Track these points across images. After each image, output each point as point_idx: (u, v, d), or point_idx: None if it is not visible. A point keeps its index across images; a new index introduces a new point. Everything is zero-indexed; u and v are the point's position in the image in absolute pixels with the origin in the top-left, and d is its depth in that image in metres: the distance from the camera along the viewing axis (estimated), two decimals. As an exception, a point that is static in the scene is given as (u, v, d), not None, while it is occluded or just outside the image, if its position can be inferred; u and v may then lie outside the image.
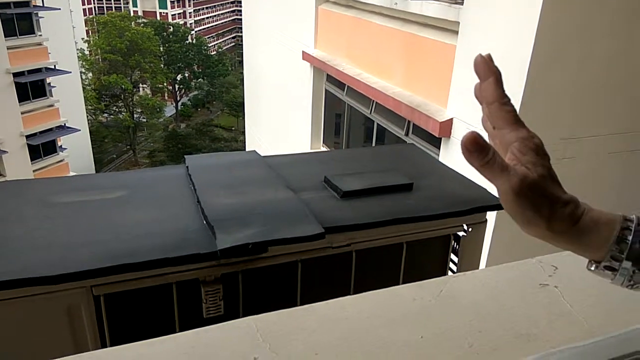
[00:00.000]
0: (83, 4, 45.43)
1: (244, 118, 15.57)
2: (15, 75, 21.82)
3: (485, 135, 0.58)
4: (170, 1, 54.91)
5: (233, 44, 59.91)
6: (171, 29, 46.08)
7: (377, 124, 6.68)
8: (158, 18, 51.49)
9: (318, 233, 1.73)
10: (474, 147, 0.53)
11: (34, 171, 22.63)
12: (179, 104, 46.44)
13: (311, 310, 1.08)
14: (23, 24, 22.67)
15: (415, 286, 1.17)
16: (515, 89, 3.85)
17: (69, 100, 25.71)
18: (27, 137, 22.47)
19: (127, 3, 56.70)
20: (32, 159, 22.91)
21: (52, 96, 24.42)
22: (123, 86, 38.01)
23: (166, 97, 46.60)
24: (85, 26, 43.26)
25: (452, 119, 4.83)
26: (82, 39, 39.39)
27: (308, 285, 1.88)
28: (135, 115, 39.72)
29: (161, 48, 43.25)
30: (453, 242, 2.13)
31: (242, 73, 15.33)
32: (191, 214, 1.89)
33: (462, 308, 1.11)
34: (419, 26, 5.68)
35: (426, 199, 2.11)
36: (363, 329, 1.02)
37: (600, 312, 1.10)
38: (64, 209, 1.94)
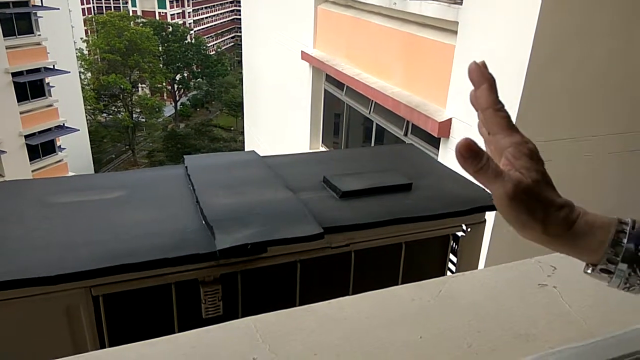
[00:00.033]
0: (82, 4, 45.38)
1: (242, 118, 15.56)
2: (14, 75, 21.83)
3: (481, 141, 0.59)
4: (169, 1, 54.91)
5: (232, 43, 59.94)
6: (170, 29, 46.13)
7: (376, 124, 6.67)
8: (157, 18, 51.56)
9: (317, 233, 1.73)
10: (468, 153, 0.54)
11: (32, 171, 22.62)
12: (178, 103, 46.45)
13: (310, 311, 1.07)
14: (22, 23, 22.66)
15: (414, 286, 1.17)
16: (514, 89, 3.85)
17: (67, 100, 25.69)
18: (26, 137, 22.46)
19: (126, 3, 56.72)
20: (30, 159, 22.89)
21: (50, 96, 24.40)
22: (122, 86, 38.02)
23: (165, 97, 46.60)
24: (84, 26, 43.21)
25: (451, 119, 4.83)
26: (81, 38, 39.35)
27: (307, 286, 1.88)
28: (134, 115, 39.71)
29: (160, 48, 43.27)
30: (452, 242, 2.13)
31: (241, 73, 15.33)
32: (190, 214, 1.89)
33: (461, 308, 1.11)
34: (418, 26, 5.67)
35: (425, 199, 2.11)
36: (362, 329, 1.02)
37: (599, 313, 1.10)
38: (62, 209, 1.93)
